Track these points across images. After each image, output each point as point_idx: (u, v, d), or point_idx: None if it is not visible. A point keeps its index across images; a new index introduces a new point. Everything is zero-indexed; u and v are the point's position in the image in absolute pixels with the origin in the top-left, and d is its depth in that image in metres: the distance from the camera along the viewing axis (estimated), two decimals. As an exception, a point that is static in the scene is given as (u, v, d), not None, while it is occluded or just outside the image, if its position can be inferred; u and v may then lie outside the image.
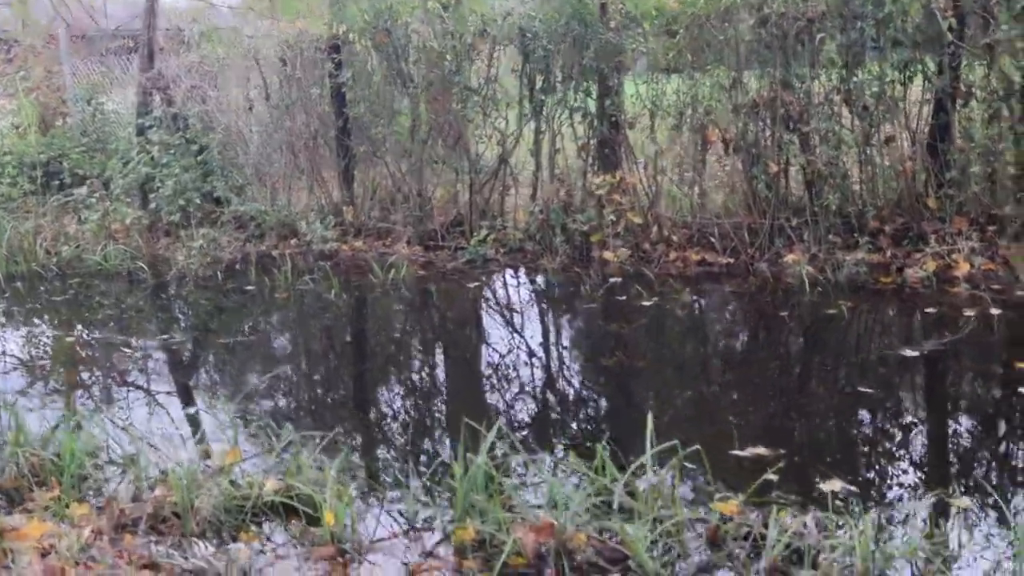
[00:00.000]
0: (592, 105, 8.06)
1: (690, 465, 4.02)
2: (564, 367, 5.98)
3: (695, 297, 7.02)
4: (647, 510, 3.67)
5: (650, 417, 4.06)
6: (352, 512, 3.87)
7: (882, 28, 7.21)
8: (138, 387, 5.83)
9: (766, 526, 3.58)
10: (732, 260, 7.55)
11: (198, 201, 9.11)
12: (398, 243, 8.59)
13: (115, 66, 11.15)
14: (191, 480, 4.00)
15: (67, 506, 4.13)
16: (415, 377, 5.96)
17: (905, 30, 7.23)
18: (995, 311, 6.10)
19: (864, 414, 4.85)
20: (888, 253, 7.23)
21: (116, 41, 11.27)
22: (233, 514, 3.98)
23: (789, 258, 7.36)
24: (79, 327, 7.15)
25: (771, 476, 4.07)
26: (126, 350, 6.45)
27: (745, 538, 3.57)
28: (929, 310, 6.34)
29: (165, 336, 6.75)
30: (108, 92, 10.95)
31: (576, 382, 5.71)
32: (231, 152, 9.36)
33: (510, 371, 5.79)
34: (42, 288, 8.21)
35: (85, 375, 6.08)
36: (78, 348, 6.62)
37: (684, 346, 6.32)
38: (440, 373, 6.05)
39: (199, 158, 9.32)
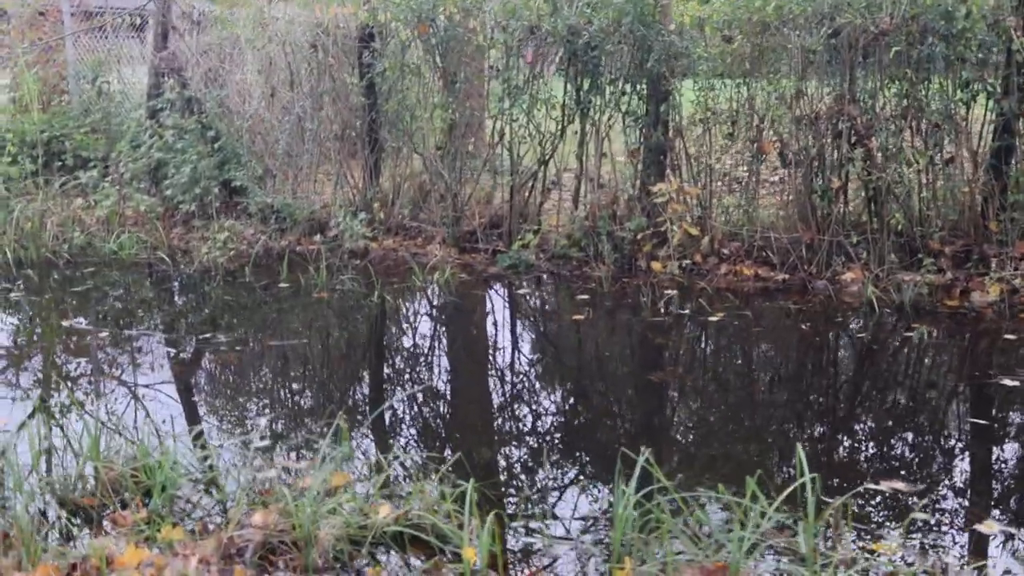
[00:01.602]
0: (643, 109, 7.77)
1: (826, 499, 3.79)
2: (664, 389, 5.61)
3: (761, 314, 6.76)
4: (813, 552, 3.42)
5: (799, 447, 3.79)
6: (498, 548, 3.55)
7: (952, 45, 7.03)
8: (196, 395, 5.43)
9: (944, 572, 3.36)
10: (788, 276, 7.32)
11: (216, 190, 8.66)
12: (431, 243, 8.24)
13: (122, 43, 10.59)
14: (311, 507, 3.64)
15: (159, 530, 3.75)
16: (512, 396, 5.54)
17: (971, 47, 7.07)
18: (1081, 341, 5.93)
19: (989, 447, 4.62)
20: (948, 275, 7.05)
21: (122, 17, 10.70)
22: (354, 545, 3.64)
23: (848, 276, 7.16)
24: (112, 324, 6.68)
25: (919, 514, 3.86)
26: (172, 350, 6.03)
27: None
28: (1009, 336, 6.16)
29: (208, 336, 6.31)
30: (114, 70, 10.41)
31: (682, 405, 5.38)
32: (251, 140, 8.90)
33: (614, 392, 5.50)
34: (56, 277, 7.72)
35: (136, 380, 5.64)
36: (117, 348, 6.18)
37: (773, 367, 6.04)
38: (538, 392, 5.64)
39: (215, 145, 8.87)
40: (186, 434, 4.74)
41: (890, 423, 4.97)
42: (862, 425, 4.96)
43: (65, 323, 6.63)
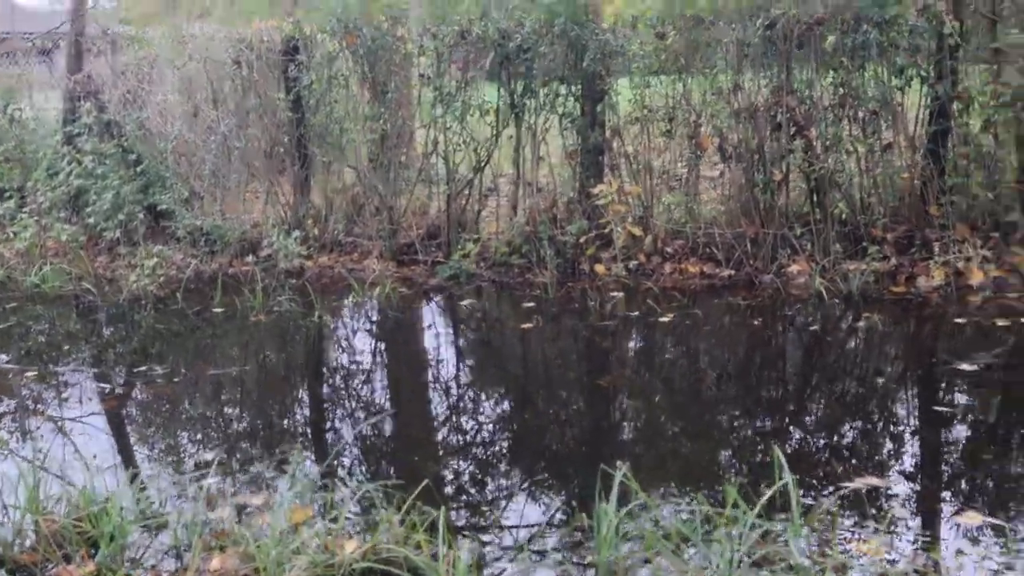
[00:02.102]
0: (579, 110, 7.64)
1: (805, 500, 3.69)
2: (622, 395, 5.43)
3: (711, 312, 6.66)
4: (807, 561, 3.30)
5: (777, 450, 3.67)
6: (476, 577, 3.37)
7: (885, 31, 7.02)
8: (135, 433, 5.16)
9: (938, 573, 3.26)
10: (734, 272, 7.25)
11: (141, 216, 8.34)
12: (368, 258, 8.02)
13: (33, 68, 10.19)
14: (275, 548, 3.42)
15: (110, 585, 3.51)
16: (470, 414, 5.30)
17: (903, 34, 7.07)
18: (1029, 321, 5.93)
19: (958, 435, 4.55)
20: (893, 262, 7.03)
21: (32, 41, 10.30)
22: (324, 586, 3.43)
23: (794, 269, 7.11)
24: (40, 361, 6.34)
25: (900, 510, 3.77)
26: (105, 386, 5.74)
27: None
28: (960, 321, 6.14)
29: (143, 368, 6.02)
30: (26, 96, 10.01)
31: (643, 411, 5.20)
32: (175, 162, 8.59)
33: (573, 403, 5.34)
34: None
35: (69, 420, 5.34)
36: (46, 387, 5.87)
37: (729, 366, 5.92)
38: (495, 407, 5.41)
39: (138, 169, 8.55)
40: (128, 475, 4.47)
41: (855, 416, 4.89)
42: (827, 420, 4.86)
43: (-10, 364, 6.28)
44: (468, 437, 4.90)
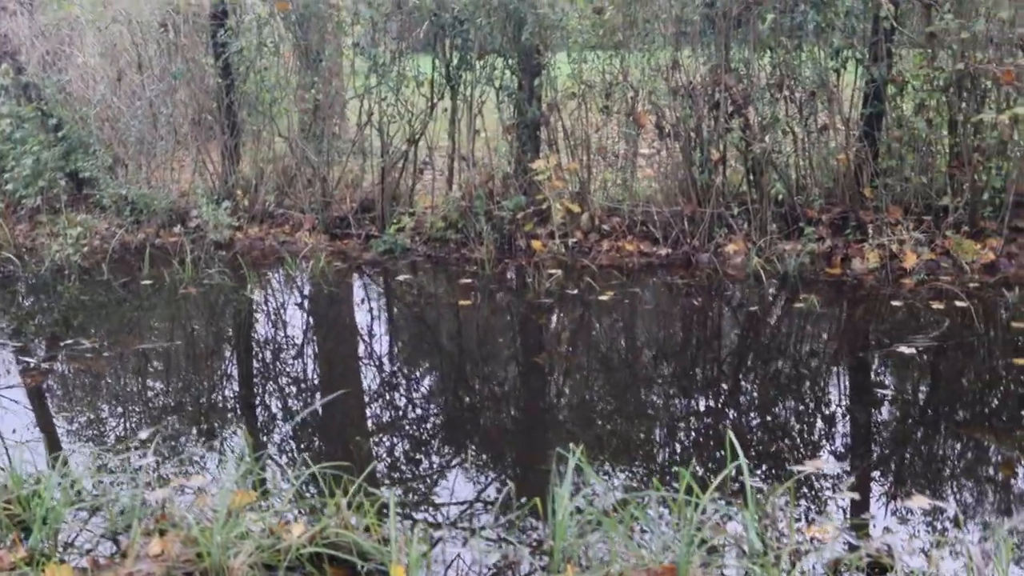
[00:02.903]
0: (516, 84, 7.54)
1: (759, 485, 3.69)
2: (564, 375, 5.37)
3: (649, 291, 6.65)
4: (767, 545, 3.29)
5: (729, 432, 3.66)
6: (428, 562, 3.30)
7: (823, 12, 7.04)
8: (62, 410, 4.97)
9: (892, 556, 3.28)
10: (671, 250, 7.24)
11: (63, 183, 8.05)
12: (300, 231, 7.85)
13: None
14: (220, 533, 3.30)
15: (43, 570, 3.36)
16: (410, 393, 5.21)
17: (840, 15, 7.09)
18: (962, 304, 6.00)
19: (899, 417, 4.59)
20: (828, 243, 7.08)
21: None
22: (269, 571, 3.33)
23: (731, 248, 7.12)
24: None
25: (849, 494, 3.79)
26: (29, 360, 5.52)
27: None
28: (895, 303, 6.20)
29: (68, 341, 5.81)
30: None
31: (586, 392, 5.15)
32: (99, 127, 8.30)
33: (516, 381, 5.27)
34: None
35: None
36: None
37: (669, 346, 5.90)
38: (437, 386, 5.31)
39: (59, 134, 8.25)
40: (56, 455, 4.30)
41: (797, 398, 4.90)
42: (769, 402, 4.86)
43: (-96, 336, 6.02)
44: (411, 417, 4.82)
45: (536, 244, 7.30)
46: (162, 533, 3.61)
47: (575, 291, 6.58)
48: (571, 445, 3.60)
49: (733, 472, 3.70)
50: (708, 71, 7.21)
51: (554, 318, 6.26)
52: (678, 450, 4.32)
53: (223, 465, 4.20)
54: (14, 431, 4.61)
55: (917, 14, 7.20)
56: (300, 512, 3.73)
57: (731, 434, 3.68)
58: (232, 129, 8.17)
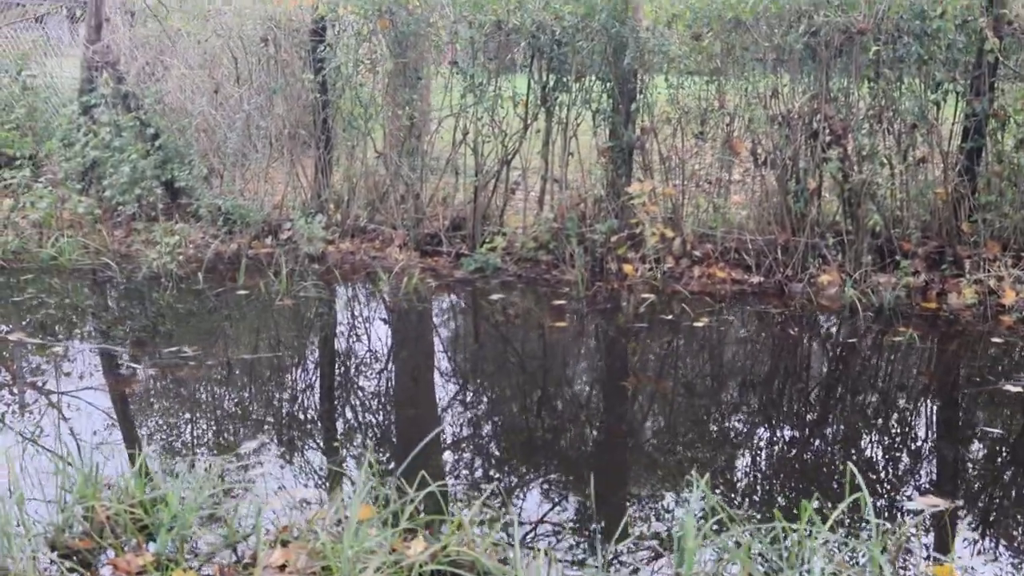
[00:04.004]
0: (612, 107, 7.55)
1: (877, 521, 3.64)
2: (672, 400, 5.34)
3: (745, 319, 6.61)
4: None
5: (851, 467, 3.63)
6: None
7: (926, 45, 6.97)
8: (173, 417, 5.05)
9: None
10: (763, 279, 7.19)
11: (159, 191, 8.19)
12: (390, 246, 7.91)
13: (48, 35, 9.99)
14: (352, 547, 3.32)
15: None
16: (523, 412, 5.21)
17: (942, 48, 7.02)
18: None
19: (1011, 456, 4.52)
20: (923, 277, 7.00)
21: (49, 8, 10.10)
22: (395, 588, 3.35)
23: (824, 279, 7.06)
24: (68, 339, 6.19)
25: (970, 533, 3.74)
26: (135, 367, 5.61)
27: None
28: (995, 340, 6.11)
29: (172, 349, 5.90)
30: (40, 64, 9.81)
31: (699, 419, 5.12)
32: (194, 138, 8.44)
33: (627, 406, 5.25)
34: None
35: (107, 402, 5.22)
36: (75, 365, 5.74)
37: (774, 377, 5.86)
38: (549, 407, 5.32)
39: (156, 143, 8.39)
40: (170, 462, 4.37)
41: (905, 433, 4.85)
42: (878, 436, 4.82)
43: (12, 337, 6.13)
44: (522, 438, 4.83)
45: (627, 268, 7.29)
46: (284, 544, 3.64)
47: (669, 316, 6.57)
48: (693, 473, 3.59)
49: (844, 504, 3.67)
50: (808, 100, 7.17)
51: (651, 343, 6.25)
52: (792, 482, 4.28)
53: (335, 478, 4.24)
54: (123, 435, 4.69)
55: (1022, 49, 7.12)
56: (420, 528, 3.75)
57: (852, 466, 3.65)
58: (326, 144, 8.26)
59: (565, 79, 7.62)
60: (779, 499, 4.08)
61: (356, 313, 6.71)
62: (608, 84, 7.49)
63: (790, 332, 6.44)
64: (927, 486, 4.22)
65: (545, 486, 4.25)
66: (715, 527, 3.52)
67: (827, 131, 7.13)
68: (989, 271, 6.85)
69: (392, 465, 4.34)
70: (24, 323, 6.43)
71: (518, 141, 7.81)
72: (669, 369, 5.89)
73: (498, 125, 7.78)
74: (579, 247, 7.33)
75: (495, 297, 7.06)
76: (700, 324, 6.41)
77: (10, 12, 9.91)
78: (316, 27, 8.11)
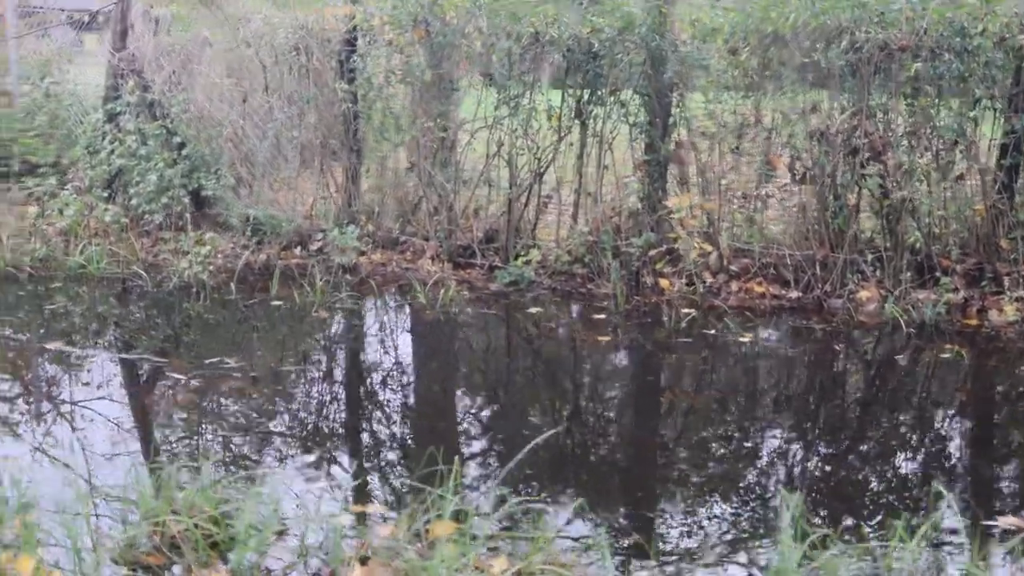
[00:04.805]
0: (649, 120, 7.50)
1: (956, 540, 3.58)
2: (733, 416, 5.28)
3: (789, 335, 6.56)
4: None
5: (936, 484, 3.57)
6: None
7: (966, 62, 6.95)
8: (226, 430, 4.96)
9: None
10: (801, 294, 7.14)
11: (186, 200, 8.11)
12: (421, 257, 7.84)
13: (73, 42, 9.90)
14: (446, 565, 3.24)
15: (246, 595, 3.33)
16: (591, 428, 5.14)
17: (980, 65, 7.00)
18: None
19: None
20: (962, 294, 6.96)
21: (72, 15, 10.01)
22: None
23: (863, 295, 7.02)
24: (107, 349, 6.10)
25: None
26: (179, 377, 5.52)
27: None
28: (1044, 357, 6.09)
29: (214, 359, 5.81)
30: (64, 71, 9.72)
31: (766, 436, 5.05)
32: (220, 147, 8.36)
33: (698, 423, 5.18)
34: (20, 294, 7.06)
35: (159, 414, 5.13)
36: (117, 376, 5.65)
37: (827, 393, 5.81)
38: (617, 422, 5.28)
39: (183, 152, 8.31)
40: (233, 476, 4.28)
41: (973, 450, 4.80)
42: (947, 452, 4.77)
43: (50, 346, 6.04)
44: (588, 454, 4.76)
45: (664, 282, 7.24)
46: (363, 561, 3.56)
47: (712, 332, 6.51)
48: (785, 492, 3.53)
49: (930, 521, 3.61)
50: (848, 116, 7.14)
51: (700, 359, 6.20)
52: (869, 500, 4.22)
53: (400, 493, 4.16)
54: (176, 447, 4.60)
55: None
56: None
57: (937, 484, 3.60)
58: (358, 154, 8.19)
59: (600, 92, 7.57)
60: (858, 517, 4.01)
61: (396, 325, 6.63)
62: (645, 97, 7.43)
63: (836, 348, 6.40)
64: (1005, 506, 4.15)
65: (627, 504, 4.18)
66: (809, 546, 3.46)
67: (867, 147, 7.09)
68: (1030, 287, 6.83)
69: (466, 479, 4.26)
70: (59, 332, 6.33)
71: (552, 154, 7.75)
72: (727, 385, 5.82)
73: (531, 138, 7.72)
74: (615, 261, 7.27)
75: (533, 311, 6.99)
76: (745, 339, 6.36)
77: (30, 19, 9.81)
78: (349, 36, 8.04)
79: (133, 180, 8.23)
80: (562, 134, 7.72)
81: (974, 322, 6.71)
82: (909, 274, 7.05)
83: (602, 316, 6.80)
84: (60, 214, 7.96)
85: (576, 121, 7.69)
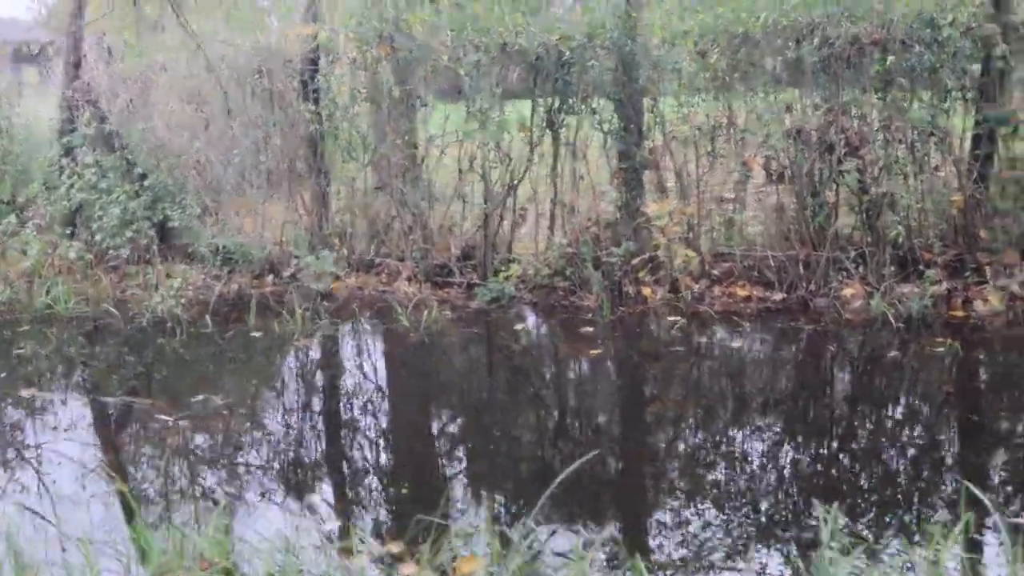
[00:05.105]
0: (621, 127, 7.40)
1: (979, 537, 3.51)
2: (748, 424, 5.20)
3: (781, 338, 6.49)
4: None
5: (967, 485, 3.49)
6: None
7: (937, 53, 6.94)
8: (220, 472, 4.78)
9: None
10: (785, 295, 7.08)
11: (152, 233, 7.88)
12: (397, 279, 7.68)
13: (22, 75, 9.62)
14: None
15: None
16: (613, 449, 4.96)
17: (949, 56, 6.99)
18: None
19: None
20: (945, 286, 6.94)
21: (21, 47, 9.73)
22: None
23: (847, 292, 6.97)
24: (83, 392, 5.88)
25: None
26: (165, 419, 5.31)
27: None
28: (1037, 345, 6.07)
29: (199, 398, 5.61)
30: (11, 104, 9.45)
31: (787, 446, 4.96)
32: (183, 176, 8.15)
33: (711, 438, 5.08)
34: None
35: (146, 455, 4.94)
36: (101, 420, 5.44)
37: (834, 394, 5.74)
38: (632, 441, 5.12)
39: (144, 183, 8.08)
40: (232, 519, 4.10)
41: (981, 445, 4.74)
42: (954, 450, 4.71)
43: (25, 393, 5.81)
44: (624, 474, 4.63)
45: (646, 291, 7.15)
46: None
47: (703, 339, 6.43)
48: (822, 505, 3.43)
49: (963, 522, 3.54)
50: (822, 113, 7.09)
51: (697, 368, 6.11)
52: (900, 501, 4.14)
53: (422, 527, 4.01)
54: (173, 490, 4.43)
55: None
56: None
57: (968, 484, 3.52)
58: (326, 176, 8.02)
59: (571, 100, 7.46)
60: (893, 519, 3.93)
61: (382, 351, 6.44)
62: (618, 103, 7.33)
63: (830, 348, 6.33)
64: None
65: (659, 523, 4.07)
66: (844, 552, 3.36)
67: (843, 143, 7.05)
68: (1012, 276, 6.82)
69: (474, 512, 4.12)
70: (30, 377, 6.11)
71: (524, 165, 7.63)
72: (733, 395, 5.72)
73: (503, 151, 7.60)
74: (596, 272, 7.16)
75: (520, 327, 6.87)
76: (738, 344, 6.29)
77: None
78: (312, 56, 7.87)
79: (95, 215, 7.99)
80: (534, 144, 7.60)
81: (960, 313, 6.69)
82: (892, 268, 7.03)
83: (590, 329, 6.69)
84: (24, 254, 7.70)
85: (547, 131, 7.57)
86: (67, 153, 8.40)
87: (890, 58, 6.80)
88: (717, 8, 7.10)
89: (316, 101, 7.87)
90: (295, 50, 7.88)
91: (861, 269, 7.09)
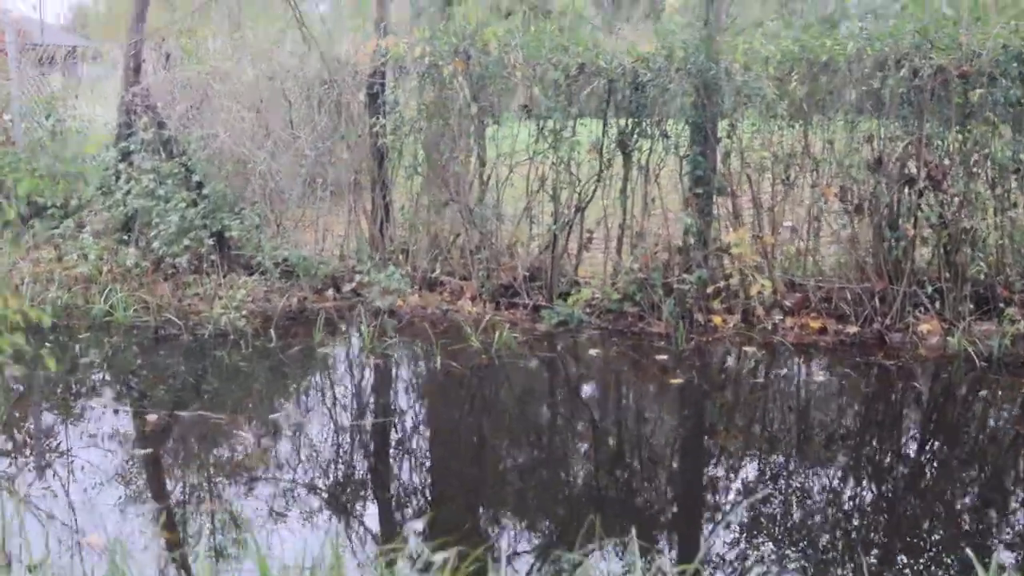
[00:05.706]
0: (698, 151, 7.27)
1: None
2: (845, 462, 5.07)
3: (862, 373, 6.34)
4: None
5: None
6: None
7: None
8: (312, 490, 4.63)
9: None
10: (859, 329, 6.93)
11: (211, 242, 7.74)
12: (460, 298, 7.54)
13: (78, 79, 9.50)
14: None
15: None
16: (701, 480, 4.93)
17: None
18: None
19: None
20: (1022, 324, 6.80)
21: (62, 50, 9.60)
22: None
23: (924, 328, 6.83)
24: (155, 405, 5.71)
25: None
26: (245, 435, 5.16)
27: None
28: None
29: (276, 415, 5.47)
30: (71, 108, 9.31)
31: (880, 487, 4.85)
32: (243, 185, 8.02)
33: (801, 471, 4.98)
34: (47, 345, 6.61)
35: (243, 478, 4.79)
36: (184, 436, 5.29)
37: (942, 435, 5.61)
38: (726, 473, 5.02)
39: (202, 191, 7.95)
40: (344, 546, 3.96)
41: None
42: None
43: (94, 404, 5.67)
44: (698, 508, 4.50)
45: (716, 319, 7.01)
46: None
47: (784, 371, 6.29)
48: (968, 551, 3.28)
49: None
50: (904, 145, 6.97)
51: (784, 401, 5.98)
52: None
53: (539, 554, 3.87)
54: (267, 514, 4.28)
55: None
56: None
57: None
58: (390, 191, 7.90)
59: (645, 123, 7.34)
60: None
61: (460, 373, 6.25)
62: (695, 128, 7.20)
63: (916, 385, 6.19)
64: None
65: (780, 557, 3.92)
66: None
67: (925, 176, 6.93)
68: (1094, 320, 6.69)
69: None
70: (101, 388, 5.97)
71: (594, 187, 7.50)
72: (827, 428, 5.57)
73: (574, 172, 7.48)
74: (668, 298, 7.02)
75: (593, 352, 6.72)
76: (821, 378, 6.16)
77: (31, 53, 9.40)
78: (380, 69, 7.76)
79: (152, 221, 7.83)
80: (604, 167, 7.47)
81: (1044, 354, 6.56)
82: (971, 305, 6.90)
83: (664, 357, 6.55)
84: (84, 259, 7.55)
85: (618, 152, 7.45)
86: (124, 158, 8.25)
87: (978, 91, 6.66)
88: (802, 35, 6.97)
89: (384, 115, 7.75)
90: (364, 62, 7.75)
91: (937, 305, 6.96)
